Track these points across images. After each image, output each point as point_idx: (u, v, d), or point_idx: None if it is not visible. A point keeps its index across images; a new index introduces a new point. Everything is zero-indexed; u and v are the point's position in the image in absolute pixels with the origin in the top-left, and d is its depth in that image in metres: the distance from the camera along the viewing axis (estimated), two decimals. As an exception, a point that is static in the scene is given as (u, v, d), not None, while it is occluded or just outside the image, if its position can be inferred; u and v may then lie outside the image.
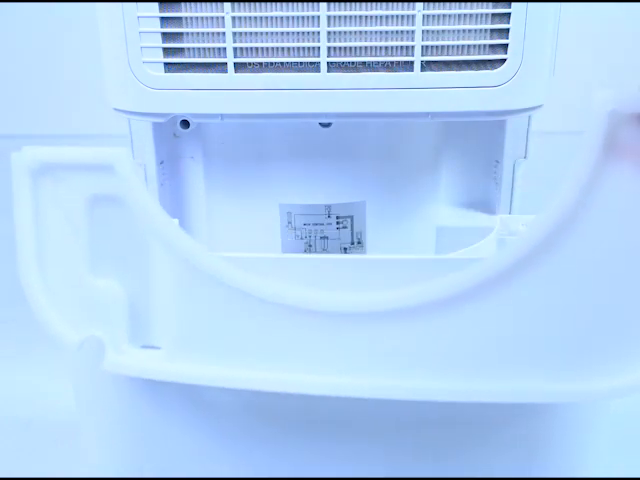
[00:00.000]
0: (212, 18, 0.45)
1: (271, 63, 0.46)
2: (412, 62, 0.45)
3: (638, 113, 0.23)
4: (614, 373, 0.28)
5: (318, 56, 0.45)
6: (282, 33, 0.45)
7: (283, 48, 0.45)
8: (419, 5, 0.44)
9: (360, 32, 0.45)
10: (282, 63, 0.46)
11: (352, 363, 0.31)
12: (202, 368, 0.33)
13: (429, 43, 0.45)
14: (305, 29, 0.45)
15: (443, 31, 0.44)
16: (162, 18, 0.45)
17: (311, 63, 0.46)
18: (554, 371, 0.29)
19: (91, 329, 0.34)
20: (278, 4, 0.44)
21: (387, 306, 0.30)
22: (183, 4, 0.45)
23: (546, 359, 0.29)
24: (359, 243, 0.53)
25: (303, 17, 0.44)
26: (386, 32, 0.45)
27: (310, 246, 0.53)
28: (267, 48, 0.45)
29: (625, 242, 0.25)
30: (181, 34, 0.46)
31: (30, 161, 0.33)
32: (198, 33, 0.45)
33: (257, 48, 0.46)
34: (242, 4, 0.44)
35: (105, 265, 0.34)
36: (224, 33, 0.45)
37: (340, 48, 0.45)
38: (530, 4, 0.43)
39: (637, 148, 0.23)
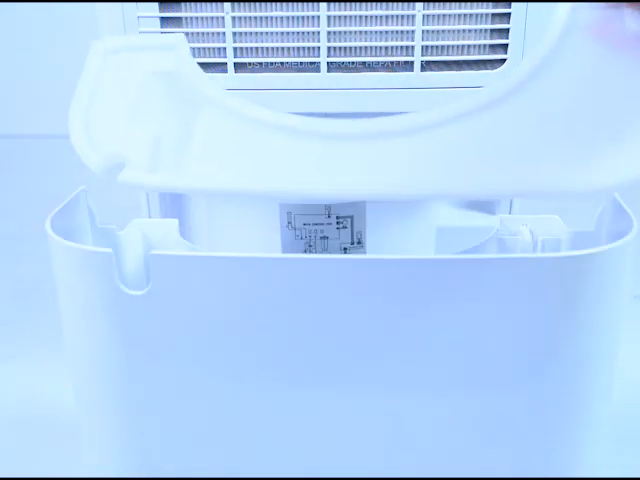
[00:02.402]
0: (212, 18, 0.45)
1: (271, 63, 0.46)
2: (412, 62, 0.45)
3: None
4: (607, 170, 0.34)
5: (318, 56, 0.45)
6: (282, 33, 0.45)
7: (283, 48, 0.45)
8: (419, 5, 0.44)
9: (360, 32, 0.45)
10: (282, 63, 0.46)
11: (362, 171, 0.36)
12: (214, 181, 0.36)
13: (429, 43, 0.45)
14: (305, 29, 0.45)
15: (443, 31, 0.44)
16: (162, 18, 0.45)
17: (311, 63, 0.46)
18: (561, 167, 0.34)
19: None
20: (278, 4, 0.44)
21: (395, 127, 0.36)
22: (183, 4, 0.45)
23: (549, 158, 0.34)
24: (359, 243, 0.53)
25: (303, 17, 0.44)
26: (386, 32, 0.45)
27: (310, 246, 0.53)
28: (267, 48, 0.45)
29: (586, 90, 0.35)
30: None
31: (107, 44, 0.39)
32: (198, 33, 0.45)
33: (257, 48, 0.46)
34: (242, 4, 0.44)
35: (145, 122, 0.38)
36: (224, 33, 0.45)
37: (340, 48, 0.45)
38: (530, 4, 0.43)
39: (599, 26, 0.34)
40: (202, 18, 0.45)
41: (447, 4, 0.44)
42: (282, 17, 0.44)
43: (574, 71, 0.35)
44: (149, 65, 0.39)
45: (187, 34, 0.46)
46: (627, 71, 0.34)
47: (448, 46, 0.45)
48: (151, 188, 0.42)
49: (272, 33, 0.45)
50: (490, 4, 0.44)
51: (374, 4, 0.44)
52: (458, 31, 0.44)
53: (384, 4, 0.44)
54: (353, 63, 0.45)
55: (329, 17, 0.44)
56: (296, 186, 0.36)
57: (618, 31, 0.34)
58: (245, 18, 0.45)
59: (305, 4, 0.44)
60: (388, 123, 0.37)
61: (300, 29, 0.45)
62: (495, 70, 0.45)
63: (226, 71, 0.46)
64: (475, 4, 0.44)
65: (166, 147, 0.38)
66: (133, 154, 0.37)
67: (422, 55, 0.45)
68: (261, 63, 0.46)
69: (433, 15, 0.44)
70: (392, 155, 0.36)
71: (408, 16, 0.44)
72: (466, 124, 0.36)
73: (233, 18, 0.44)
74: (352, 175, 0.36)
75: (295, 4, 0.44)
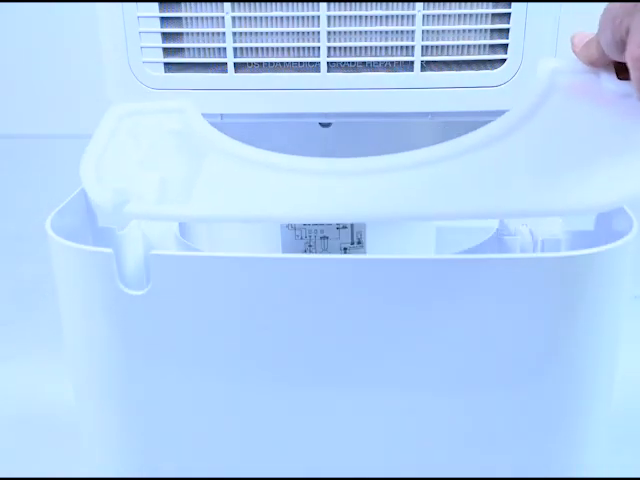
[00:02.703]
0: (212, 18, 0.45)
1: (271, 63, 0.46)
2: (412, 62, 0.45)
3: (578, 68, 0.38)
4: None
5: (318, 56, 0.45)
6: (282, 33, 0.45)
7: (283, 48, 0.45)
8: (419, 5, 0.44)
9: (360, 32, 0.45)
10: (282, 63, 0.46)
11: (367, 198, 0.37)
12: (221, 211, 0.38)
13: (429, 43, 0.45)
14: (305, 29, 0.45)
15: (443, 31, 0.44)
16: (162, 18, 0.45)
17: (311, 63, 0.46)
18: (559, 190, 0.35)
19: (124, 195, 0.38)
20: (278, 4, 0.44)
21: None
22: (183, 4, 0.45)
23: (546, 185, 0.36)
24: (359, 243, 0.53)
25: (303, 17, 0.44)
26: (386, 32, 0.45)
27: (310, 246, 0.53)
28: (267, 48, 0.45)
29: (569, 132, 0.37)
30: (181, 34, 0.46)
31: (120, 110, 0.43)
32: (198, 33, 0.45)
33: (257, 48, 0.46)
34: (242, 4, 0.44)
35: (153, 167, 0.40)
36: (224, 33, 0.45)
37: (340, 48, 0.45)
38: (530, 4, 0.43)
39: (575, 87, 0.38)
40: (202, 18, 0.45)
41: (447, 4, 0.44)
42: (282, 17, 0.44)
43: (558, 119, 0.38)
44: (160, 125, 0.43)
45: (187, 34, 0.46)
46: (605, 117, 0.37)
47: (448, 46, 0.45)
48: (157, 218, 0.44)
49: (272, 33, 0.45)
50: (490, 4, 0.44)
51: (374, 4, 0.44)
52: (458, 31, 0.44)
53: (384, 4, 0.44)
54: (353, 63, 0.45)
55: (329, 17, 0.44)
56: (293, 210, 0.38)
57: (596, 91, 0.37)
58: (245, 18, 0.45)
59: (305, 4, 0.44)
60: (388, 161, 0.39)
61: (300, 29, 0.45)
62: (495, 70, 0.45)
63: (226, 71, 0.46)
64: (475, 4, 0.44)
65: (172, 188, 0.39)
66: (140, 191, 0.38)
67: (422, 55, 0.45)
68: (261, 63, 0.46)
69: (433, 15, 0.44)
70: (394, 186, 0.38)
71: (408, 16, 0.44)
72: (463, 160, 0.38)
73: (233, 18, 0.44)
74: (349, 201, 0.37)
75: (295, 4, 0.44)
